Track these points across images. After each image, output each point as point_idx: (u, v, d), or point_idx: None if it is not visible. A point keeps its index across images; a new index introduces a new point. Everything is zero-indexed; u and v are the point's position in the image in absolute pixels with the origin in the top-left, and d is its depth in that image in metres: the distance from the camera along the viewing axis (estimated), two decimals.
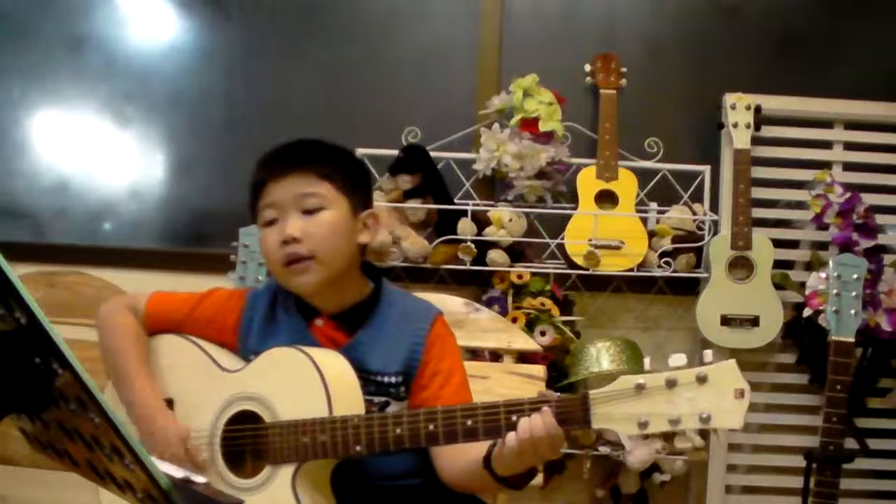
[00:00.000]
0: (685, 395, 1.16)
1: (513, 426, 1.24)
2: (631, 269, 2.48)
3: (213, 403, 1.41)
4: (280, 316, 1.49)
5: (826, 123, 2.64)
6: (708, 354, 1.20)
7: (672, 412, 1.16)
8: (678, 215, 2.54)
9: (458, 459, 1.38)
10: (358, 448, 1.31)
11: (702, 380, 1.17)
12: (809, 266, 2.55)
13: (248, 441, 1.38)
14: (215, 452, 1.40)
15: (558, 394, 1.28)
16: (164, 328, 1.51)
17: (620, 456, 2.41)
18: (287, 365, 1.37)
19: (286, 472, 1.34)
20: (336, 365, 1.39)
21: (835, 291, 2.16)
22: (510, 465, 1.27)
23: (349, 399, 1.37)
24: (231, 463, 1.39)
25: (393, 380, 1.44)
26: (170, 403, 1.45)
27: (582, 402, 1.22)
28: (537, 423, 1.22)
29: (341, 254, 1.45)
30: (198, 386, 1.43)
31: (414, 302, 1.54)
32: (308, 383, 1.33)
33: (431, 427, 1.29)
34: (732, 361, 1.19)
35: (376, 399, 1.43)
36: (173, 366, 1.48)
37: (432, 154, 2.53)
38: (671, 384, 1.17)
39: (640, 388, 1.18)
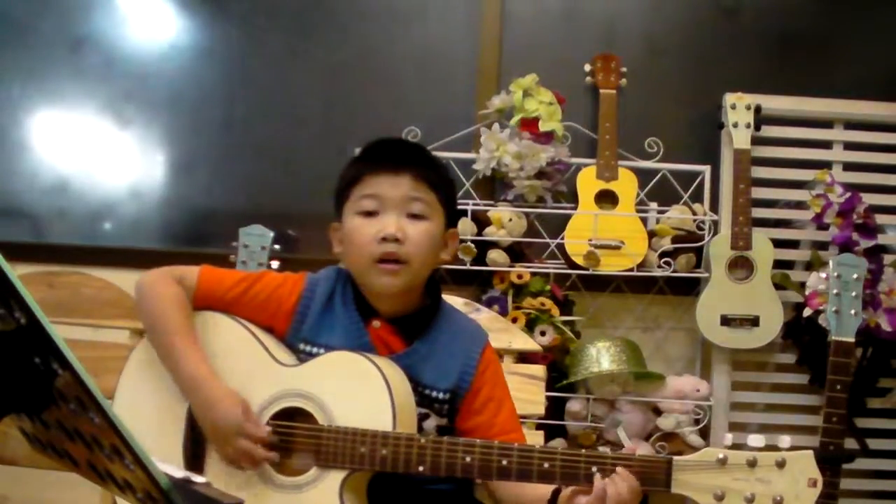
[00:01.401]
0: (762, 477, 1.23)
1: (591, 476, 1.24)
2: (631, 269, 2.48)
3: (260, 393, 1.38)
4: (337, 309, 1.45)
5: (826, 123, 2.64)
6: (786, 440, 1.26)
7: (748, 490, 1.23)
8: (678, 215, 2.54)
9: (522, 495, 1.37)
10: (421, 468, 1.30)
11: (780, 465, 1.23)
12: (809, 266, 2.55)
13: (295, 439, 1.35)
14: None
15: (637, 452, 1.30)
16: (212, 306, 1.45)
17: None
18: (353, 372, 1.35)
19: (336, 477, 1.32)
20: (400, 380, 1.37)
21: (835, 291, 2.16)
22: None
23: (409, 414, 1.36)
24: None
25: (440, 396, 1.43)
26: None
27: (666, 467, 1.24)
28: (622, 487, 1.22)
29: (429, 266, 1.44)
30: (245, 372, 1.39)
31: (466, 321, 1.53)
32: (375, 394, 1.32)
33: (505, 462, 1.28)
34: (810, 452, 1.25)
35: (418, 410, 1.41)
36: (220, 346, 1.42)
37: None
38: (752, 464, 1.23)
39: (721, 461, 1.24)
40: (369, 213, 1.41)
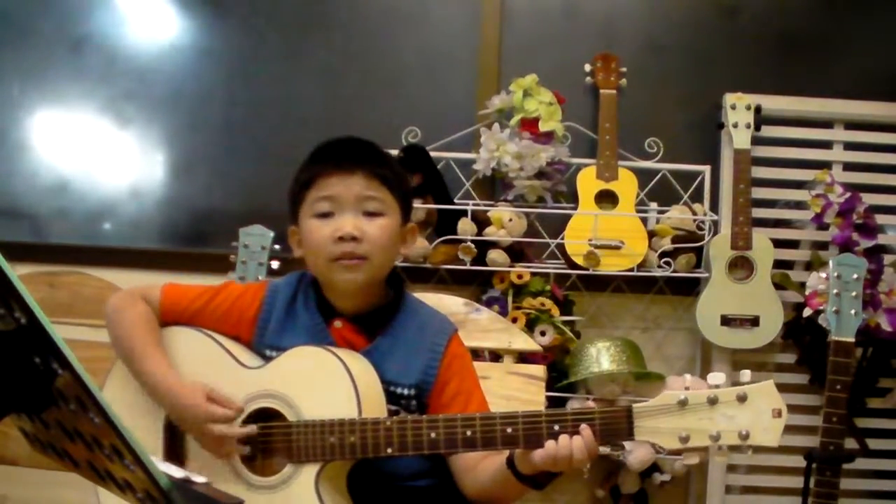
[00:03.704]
0: (725, 413, 1.21)
1: (555, 436, 1.24)
2: (631, 269, 2.48)
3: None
4: (299, 313, 1.47)
5: (826, 123, 2.64)
6: (746, 374, 1.24)
7: (712, 428, 1.21)
8: (678, 215, 2.54)
9: (481, 474, 1.38)
10: (389, 450, 1.31)
11: (742, 398, 1.22)
12: (809, 266, 2.55)
13: (268, 439, 1.36)
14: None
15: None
16: (177, 320, 1.48)
17: (620, 456, 2.41)
18: (314, 364, 1.36)
19: (309, 471, 1.33)
20: (363, 367, 1.38)
21: (835, 291, 2.16)
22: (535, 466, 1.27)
23: (376, 401, 1.37)
24: (248, 460, 1.38)
25: (405, 392, 1.43)
26: None
27: (626, 415, 1.24)
28: (577, 442, 1.23)
29: (389, 261, 1.45)
30: (213, 381, 1.41)
31: (432, 314, 1.53)
32: (337, 384, 1.33)
33: (469, 432, 1.29)
34: (770, 382, 1.24)
35: (387, 407, 1.42)
36: (187, 359, 1.45)
37: (432, 154, 2.53)
38: (712, 402, 1.21)
39: (682, 403, 1.22)
40: (325, 215, 1.42)
